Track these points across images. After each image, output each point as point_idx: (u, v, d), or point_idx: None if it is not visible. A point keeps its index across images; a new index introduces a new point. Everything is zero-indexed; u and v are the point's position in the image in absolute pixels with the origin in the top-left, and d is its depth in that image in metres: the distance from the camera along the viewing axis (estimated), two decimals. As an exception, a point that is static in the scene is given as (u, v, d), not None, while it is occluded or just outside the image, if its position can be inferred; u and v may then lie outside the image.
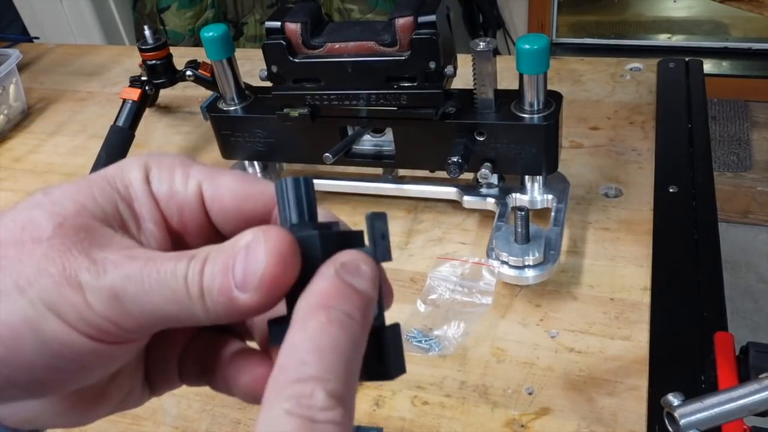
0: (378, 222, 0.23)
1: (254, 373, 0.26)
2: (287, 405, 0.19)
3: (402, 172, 0.69)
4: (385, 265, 0.23)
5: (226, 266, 0.21)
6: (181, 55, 0.85)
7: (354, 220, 0.69)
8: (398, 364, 0.23)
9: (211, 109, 0.68)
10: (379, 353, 0.22)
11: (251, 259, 0.21)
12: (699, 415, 0.34)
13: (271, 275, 0.21)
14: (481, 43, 0.56)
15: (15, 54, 0.96)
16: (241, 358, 0.26)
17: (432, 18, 0.55)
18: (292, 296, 0.22)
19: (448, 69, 0.57)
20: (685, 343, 0.52)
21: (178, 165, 0.25)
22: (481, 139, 0.60)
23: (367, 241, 0.23)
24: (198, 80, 0.81)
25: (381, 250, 0.23)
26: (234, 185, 0.25)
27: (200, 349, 0.27)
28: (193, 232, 0.26)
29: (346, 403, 0.19)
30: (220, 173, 0.25)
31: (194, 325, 0.23)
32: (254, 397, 0.25)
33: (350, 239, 0.23)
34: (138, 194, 0.25)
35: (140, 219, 0.25)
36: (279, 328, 0.22)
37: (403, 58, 0.57)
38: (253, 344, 0.28)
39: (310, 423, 0.18)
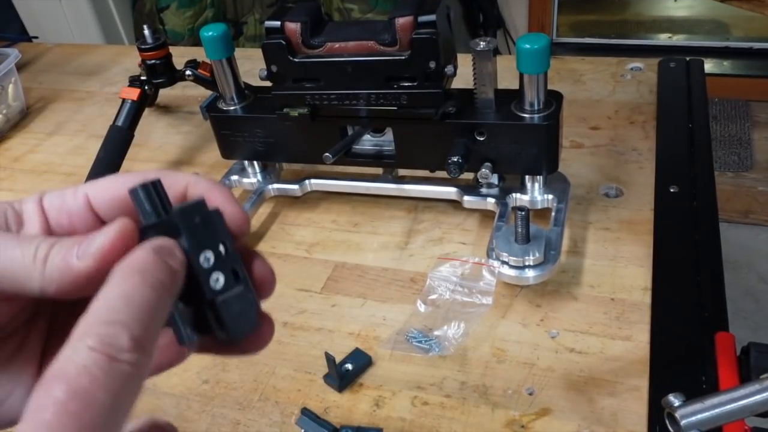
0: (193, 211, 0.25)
1: None
2: (91, 342, 0.21)
3: (402, 172, 0.69)
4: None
5: (74, 243, 0.24)
6: (180, 55, 0.85)
7: (354, 219, 0.69)
8: (239, 329, 0.26)
9: (210, 109, 0.68)
10: (219, 322, 0.25)
11: (94, 236, 0.24)
12: (700, 416, 0.34)
13: (105, 247, 0.24)
14: (482, 43, 0.55)
15: (14, 53, 0.95)
16: None
17: (432, 18, 0.55)
18: None
19: (449, 68, 0.57)
20: (685, 344, 0.52)
21: (71, 186, 0.29)
22: (482, 138, 0.59)
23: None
24: (197, 80, 0.81)
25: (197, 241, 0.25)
26: (110, 185, 0.28)
27: None
28: (83, 231, 0.28)
29: (146, 351, 0.22)
30: (103, 179, 0.28)
31: (27, 292, 0.25)
32: None
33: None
34: (28, 207, 0.28)
35: (24, 224, 0.27)
36: None
37: (403, 57, 0.57)
38: None
39: (111, 360, 0.21)
